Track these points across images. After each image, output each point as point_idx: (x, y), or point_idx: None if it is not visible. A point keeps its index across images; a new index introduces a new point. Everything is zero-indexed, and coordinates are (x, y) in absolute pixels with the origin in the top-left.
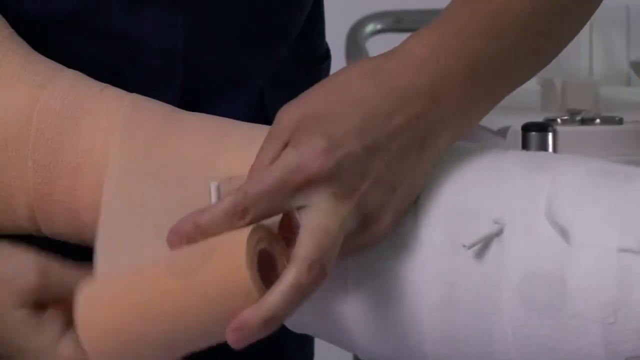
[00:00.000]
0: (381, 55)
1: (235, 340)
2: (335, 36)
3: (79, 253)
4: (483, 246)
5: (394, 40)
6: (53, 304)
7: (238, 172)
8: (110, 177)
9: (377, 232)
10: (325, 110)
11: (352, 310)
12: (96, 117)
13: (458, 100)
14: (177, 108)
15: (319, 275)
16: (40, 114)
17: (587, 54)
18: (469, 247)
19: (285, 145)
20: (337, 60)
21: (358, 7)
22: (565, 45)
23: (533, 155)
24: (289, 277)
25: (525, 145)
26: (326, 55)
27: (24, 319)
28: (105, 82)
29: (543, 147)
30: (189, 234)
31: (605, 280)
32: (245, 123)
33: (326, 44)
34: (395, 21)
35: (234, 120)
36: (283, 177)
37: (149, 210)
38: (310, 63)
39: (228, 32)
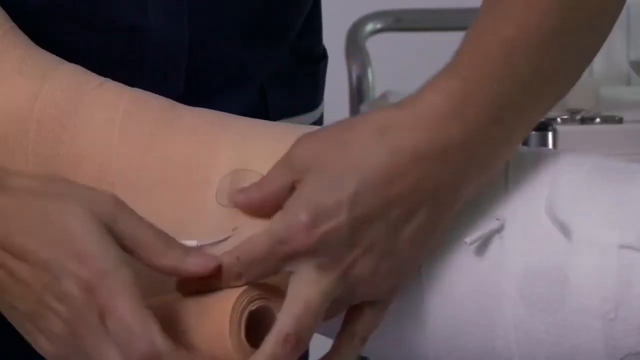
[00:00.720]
0: (396, 106)
1: None
2: (335, 36)
3: None
4: (484, 242)
5: (394, 39)
6: None
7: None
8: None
9: (370, 298)
10: (330, 165)
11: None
12: (96, 111)
13: (477, 151)
14: (177, 103)
15: (295, 347)
16: (41, 108)
17: None
18: (470, 243)
19: (291, 183)
20: (338, 60)
21: (358, 7)
22: (582, 69)
23: (534, 151)
24: (265, 349)
25: (525, 144)
26: (323, 55)
27: (100, 230)
28: (109, 74)
29: (543, 146)
30: (197, 286)
31: (606, 277)
32: (245, 118)
33: (323, 44)
34: (395, 20)
35: (234, 115)
36: (271, 248)
37: (152, 209)
38: (308, 62)
39: (230, 27)
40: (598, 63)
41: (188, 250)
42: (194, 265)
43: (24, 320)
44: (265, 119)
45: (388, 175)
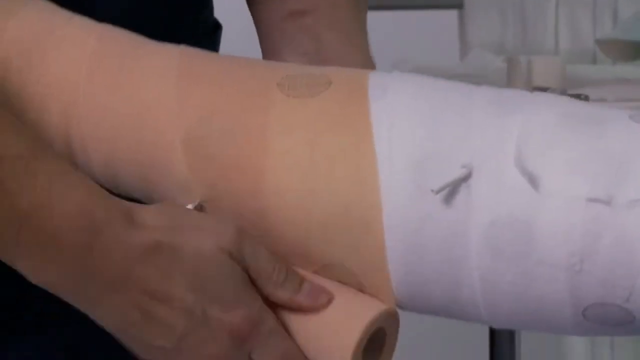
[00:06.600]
0: None
1: None
2: None
3: None
4: (451, 191)
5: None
6: None
7: (208, 110)
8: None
9: None
10: None
11: None
12: (64, 49)
13: None
14: (146, 38)
15: None
16: (9, 45)
17: (553, 32)
18: (437, 192)
19: None
20: None
21: None
22: None
23: (503, 95)
24: None
25: None
26: (217, 25)
27: (227, 262)
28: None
29: None
30: None
31: (573, 229)
32: (219, 56)
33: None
34: None
35: (208, 53)
36: None
37: (118, 149)
38: (206, 34)
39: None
40: (564, 41)
41: (302, 280)
42: (307, 299)
43: (159, 355)
44: None
45: None
